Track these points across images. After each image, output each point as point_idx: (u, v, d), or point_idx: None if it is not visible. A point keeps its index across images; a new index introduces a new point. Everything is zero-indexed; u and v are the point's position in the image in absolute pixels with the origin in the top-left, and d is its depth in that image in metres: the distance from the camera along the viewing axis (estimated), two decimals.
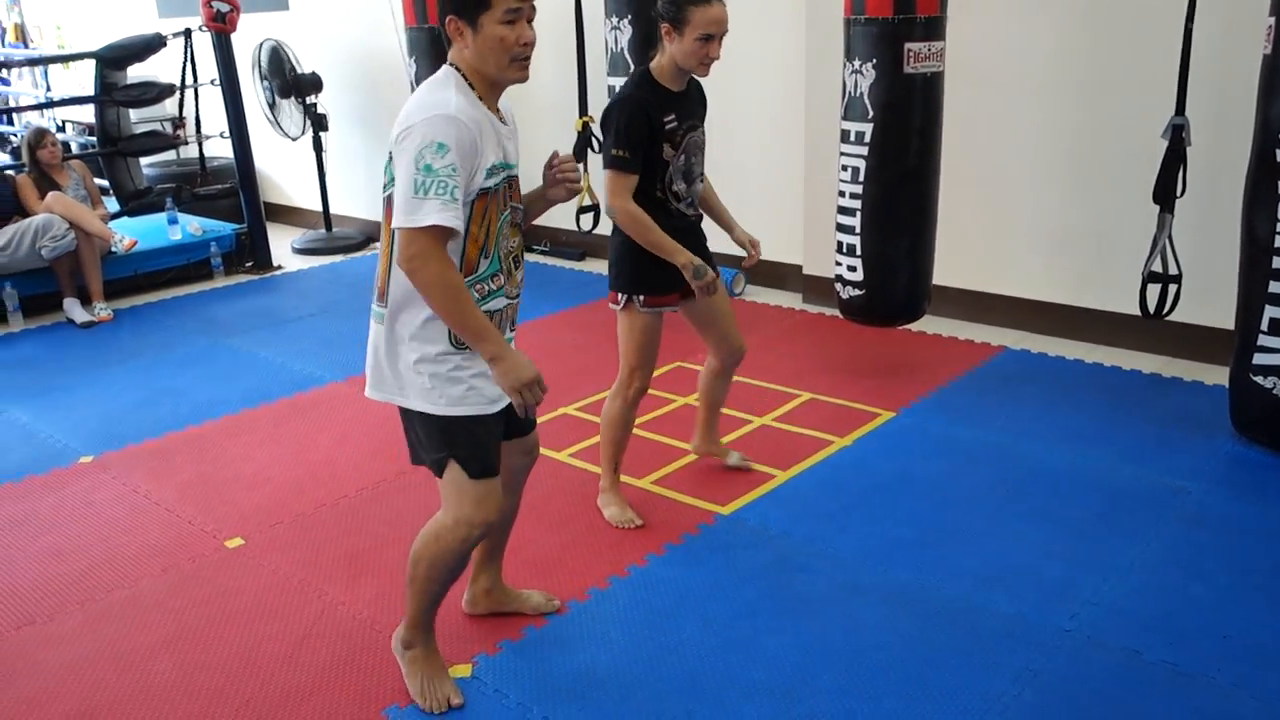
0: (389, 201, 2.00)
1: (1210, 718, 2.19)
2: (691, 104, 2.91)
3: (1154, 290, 3.82)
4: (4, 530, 3.26)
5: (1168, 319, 3.90)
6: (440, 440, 2.12)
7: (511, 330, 2.22)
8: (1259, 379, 3.36)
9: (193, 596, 2.83)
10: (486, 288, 2.09)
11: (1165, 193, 3.73)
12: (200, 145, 6.65)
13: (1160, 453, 3.45)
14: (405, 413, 2.17)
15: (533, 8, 2.02)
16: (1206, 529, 2.98)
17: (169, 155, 7.92)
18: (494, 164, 2.03)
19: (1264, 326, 3.31)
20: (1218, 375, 3.94)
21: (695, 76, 2.88)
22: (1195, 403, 3.85)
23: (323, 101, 6.97)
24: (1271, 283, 3.27)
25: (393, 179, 1.98)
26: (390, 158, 2.00)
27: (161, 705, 2.38)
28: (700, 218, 3.08)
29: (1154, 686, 2.30)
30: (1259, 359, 3.35)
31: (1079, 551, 2.88)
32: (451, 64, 2.05)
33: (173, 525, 3.24)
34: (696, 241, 3.01)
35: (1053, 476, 3.33)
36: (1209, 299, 4.02)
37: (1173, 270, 3.78)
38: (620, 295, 2.97)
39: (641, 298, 2.94)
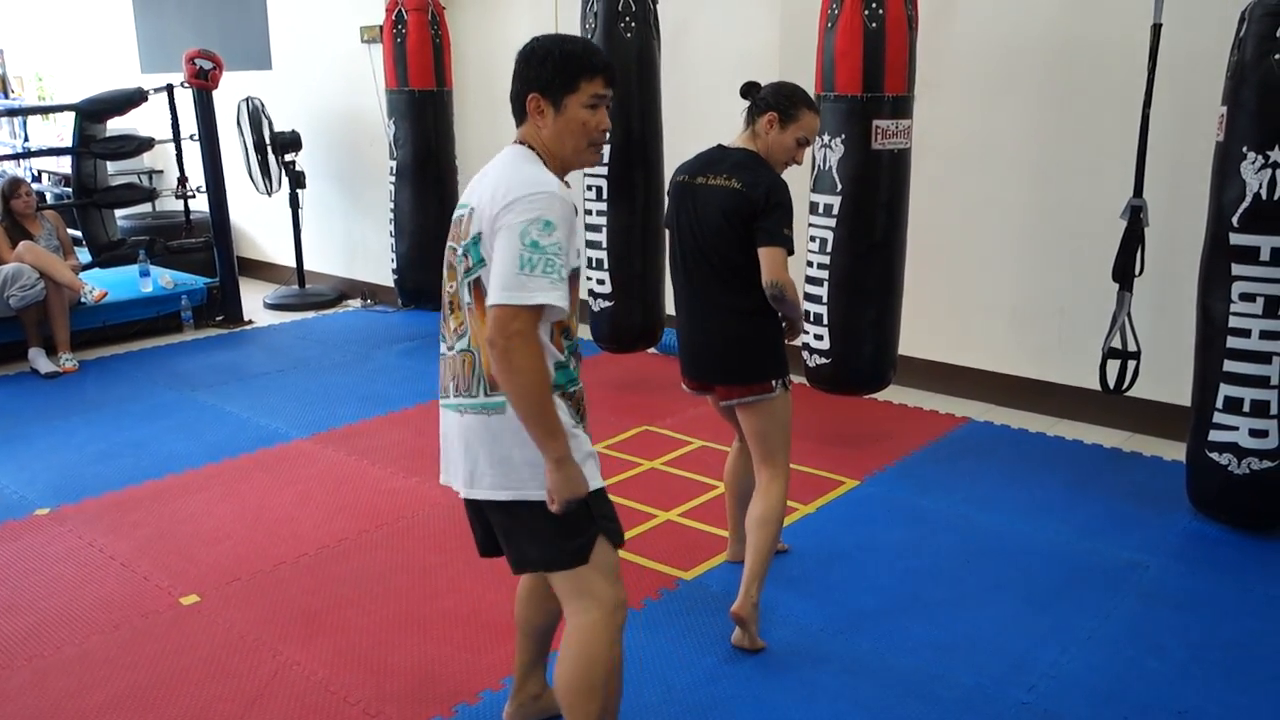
0: (476, 284, 1.91)
1: None
2: None
3: (1114, 366, 3.90)
4: None
5: (1129, 395, 3.98)
6: (586, 518, 1.96)
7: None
8: (1214, 455, 3.42)
9: (144, 653, 2.78)
10: (573, 365, 2.01)
11: (1124, 271, 3.83)
12: (185, 199, 6.66)
13: (1119, 527, 3.49)
14: (519, 508, 1.97)
15: (612, 97, 2.02)
16: (1163, 604, 3.00)
17: (144, 207, 7.93)
18: (579, 245, 1.99)
19: (1219, 405, 3.38)
20: (1176, 451, 4.00)
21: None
22: (1154, 478, 3.90)
23: (301, 159, 7.02)
24: (1226, 362, 3.34)
25: (479, 260, 1.90)
26: (476, 239, 1.90)
27: None
28: None
29: None
30: (1214, 435, 3.41)
31: (1038, 624, 2.89)
32: (523, 142, 2.00)
33: (127, 581, 3.19)
34: None
35: (1013, 548, 3.35)
36: (1168, 376, 4.10)
37: (1131, 347, 3.87)
38: (775, 381, 2.79)
39: (789, 379, 2.82)
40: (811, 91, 4.01)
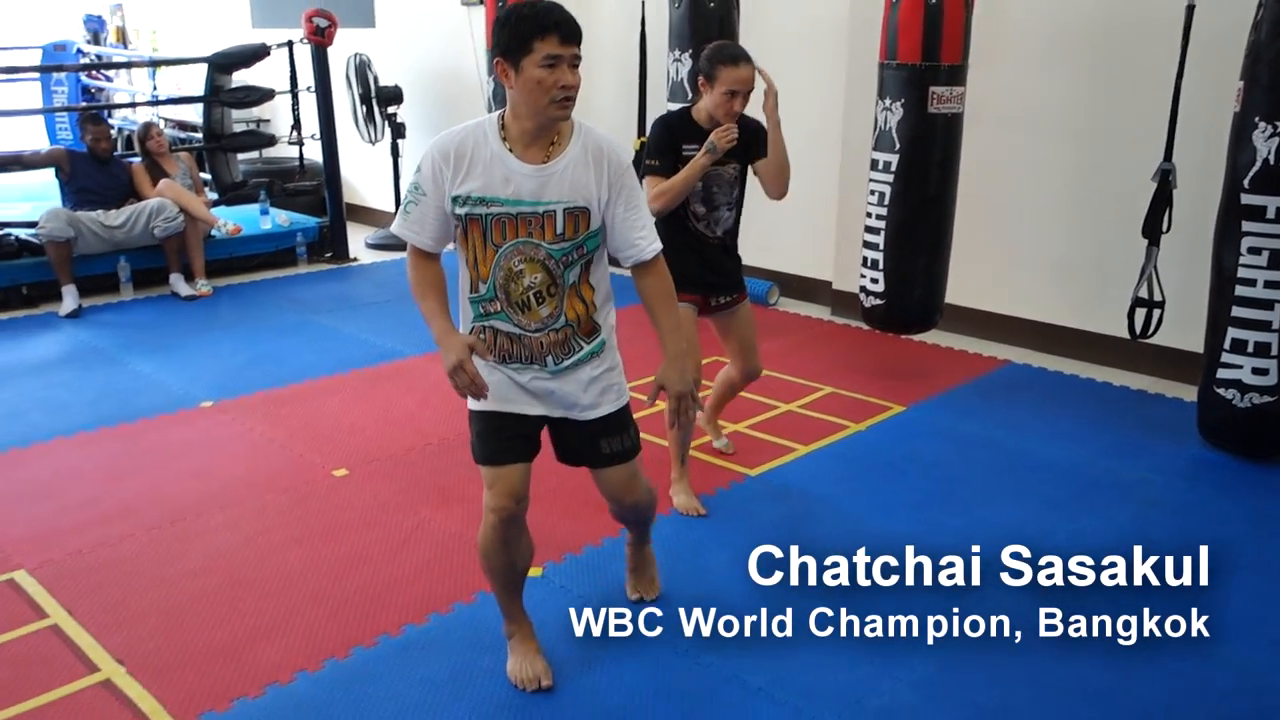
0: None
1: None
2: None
3: (1141, 315, 4.36)
4: (147, 454, 3.89)
5: (1156, 343, 4.44)
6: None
7: (556, 363, 2.36)
8: (1221, 391, 3.88)
9: (311, 508, 3.43)
10: (488, 308, 2.35)
11: (1153, 229, 4.28)
12: (300, 146, 7.32)
13: (1134, 452, 3.98)
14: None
15: (575, 56, 2.16)
16: (1162, 510, 3.52)
17: (255, 154, 8.62)
18: (466, 194, 2.22)
19: (1226, 346, 3.84)
20: (1195, 394, 4.46)
21: (752, 126, 3.30)
22: (1171, 414, 4.37)
23: (402, 112, 7.63)
24: (1234, 308, 3.80)
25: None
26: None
27: (293, 583, 2.98)
28: (723, 241, 3.42)
29: None
30: (1221, 374, 3.87)
31: (1050, 519, 3.42)
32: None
33: (287, 457, 3.85)
34: (712, 260, 3.38)
35: (1037, 464, 3.86)
36: (1191, 326, 4.53)
37: (1157, 297, 4.32)
38: None
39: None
40: (877, 58, 4.53)
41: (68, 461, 3.81)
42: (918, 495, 3.58)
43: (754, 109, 3.30)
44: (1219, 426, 3.95)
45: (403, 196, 2.30)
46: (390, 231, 2.37)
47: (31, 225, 5.92)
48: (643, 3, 6.00)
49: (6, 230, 5.99)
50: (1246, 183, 3.69)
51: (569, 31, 2.14)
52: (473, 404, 2.41)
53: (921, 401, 4.47)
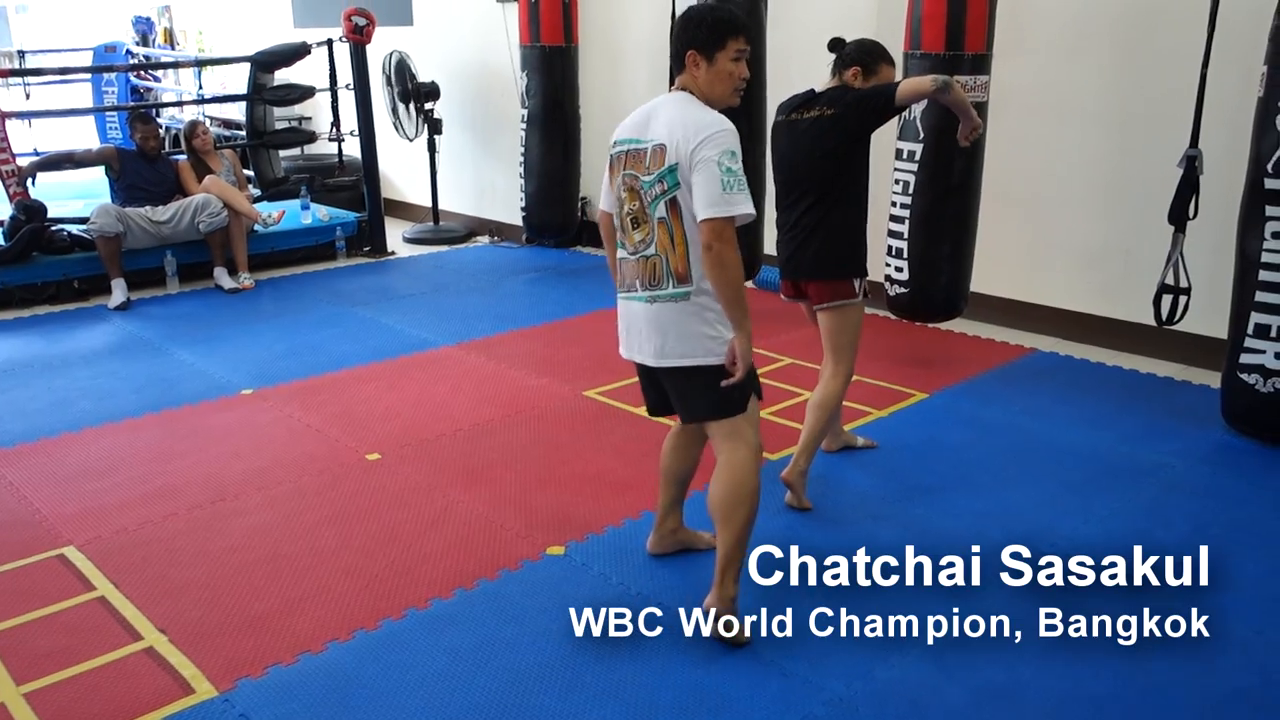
0: (673, 204, 2.48)
1: None
2: None
3: (1167, 301, 4.36)
4: (189, 437, 4.04)
5: (1182, 330, 4.44)
6: (744, 380, 2.55)
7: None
8: (1244, 376, 3.89)
9: (344, 490, 3.56)
10: None
11: (1179, 215, 4.28)
12: (339, 142, 7.49)
13: (1156, 437, 3.99)
14: (696, 372, 2.56)
15: (750, 51, 2.56)
16: (1181, 493, 3.54)
17: (295, 150, 8.82)
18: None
19: (1250, 331, 3.84)
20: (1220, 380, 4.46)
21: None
22: (1196, 400, 4.37)
23: (438, 108, 7.78)
24: (1258, 293, 3.80)
25: (675, 183, 2.46)
26: (673, 168, 2.45)
27: (328, 559, 3.11)
28: None
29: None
30: (1245, 359, 3.88)
31: (1068, 503, 3.45)
32: (683, 88, 2.56)
33: (323, 441, 3.99)
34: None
35: (1058, 448, 3.89)
36: (1217, 312, 4.52)
37: (1184, 283, 4.32)
38: (856, 282, 3.31)
39: (859, 283, 3.34)
40: (900, 48, 4.57)
41: (115, 445, 3.97)
42: (935, 478, 3.63)
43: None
44: (1242, 412, 3.95)
45: (730, 180, 2.41)
46: (740, 211, 2.41)
47: (83, 221, 6.14)
48: (673, 1, 6.08)
49: (59, 226, 6.21)
50: (1270, 167, 3.70)
51: (752, 32, 2.65)
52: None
53: (945, 389, 4.51)
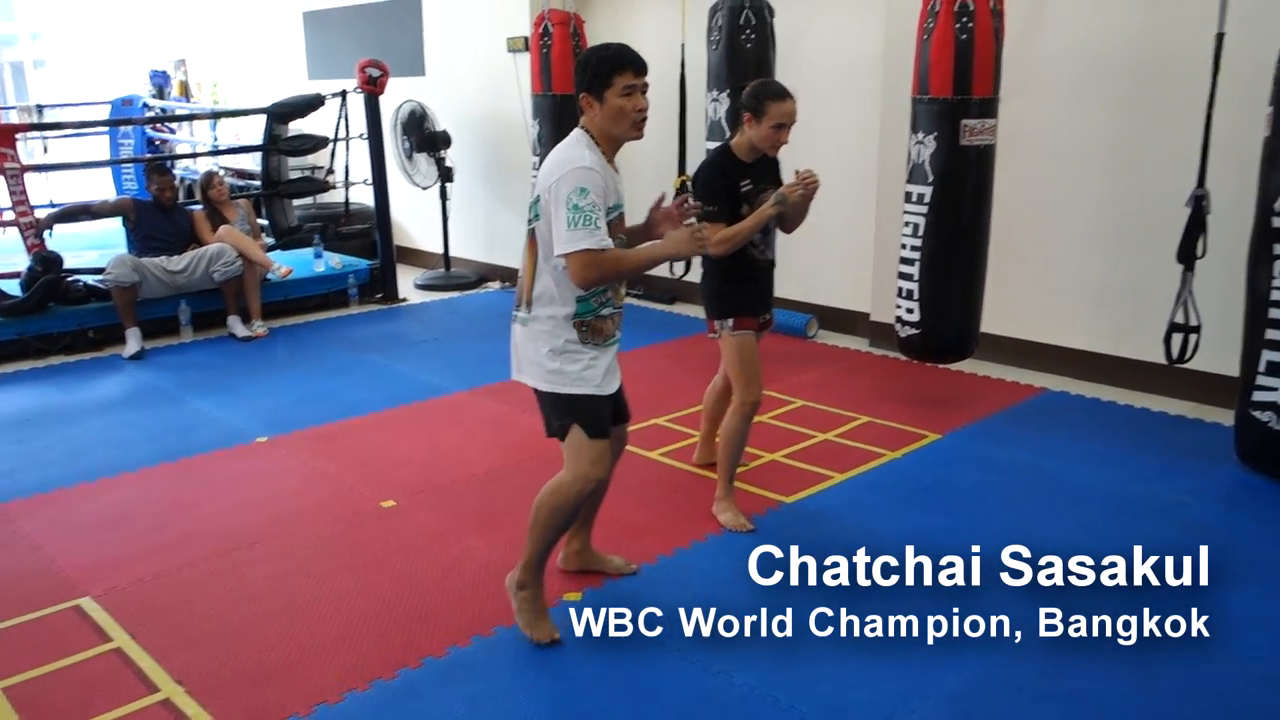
0: (533, 234, 2.69)
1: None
2: (761, 174, 3.53)
3: (1177, 340, 4.37)
4: (205, 485, 4.06)
5: (1194, 369, 4.45)
6: (565, 409, 2.76)
7: (618, 332, 2.84)
8: (1257, 414, 3.89)
9: (361, 537, 3.57)
10: (600, 300, 2.73)
11: (1187, 254, 4.30)
12: (346, 191, 7.59)
13: (1171, 475, 3.98)
14: (538, 393, 2.80)
15: (645, 85, 2.68)
16: (1196, 532, 3.52)
17: (307, 199, 8.92)
18: (611, 205, 2.69)
19: (1261, 368, 3.85)
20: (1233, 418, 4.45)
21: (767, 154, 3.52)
22: (1208, 439, 4.36)
23: (449, 156, 7.87)
24: (1268, 330, 3.81)
25: (536, 215, 2.67)
26: (536, 200, 2.67)
27: (345, 607, 3.11)
28: (772, 262, 3.69)
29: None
30: (1257, 396, 3.88)
31: (1084, 542, 3.41)
32: (583, 128, 2.70)
33: (338, 489, 4.00)
34: (764, 281, 3.65)
35: (1073, 488, 3.89)
36: (1228, 350, 4.53)
37: (1194, 322, 4.33)
38: (718, 323, 3.58)
39: (730, 322, 3.57)
40: (909, 93, 4.63)
41: (131, 495, 4.00)
42: (949, 519, 3.62)
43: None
44: (1255, 450, 3.94)
45: (575, 217, 2.54)
46: (581, 248, 2.54)
47: (98, 272, 6.21)
48: (682, 45, 6.18)
49: (75, 277, 6.28)
50: (1277, 206, 3.72)
51: (640, 65, 2.67)
52: (586, 388, 2.74)
53: (958, 429, 4.51)
